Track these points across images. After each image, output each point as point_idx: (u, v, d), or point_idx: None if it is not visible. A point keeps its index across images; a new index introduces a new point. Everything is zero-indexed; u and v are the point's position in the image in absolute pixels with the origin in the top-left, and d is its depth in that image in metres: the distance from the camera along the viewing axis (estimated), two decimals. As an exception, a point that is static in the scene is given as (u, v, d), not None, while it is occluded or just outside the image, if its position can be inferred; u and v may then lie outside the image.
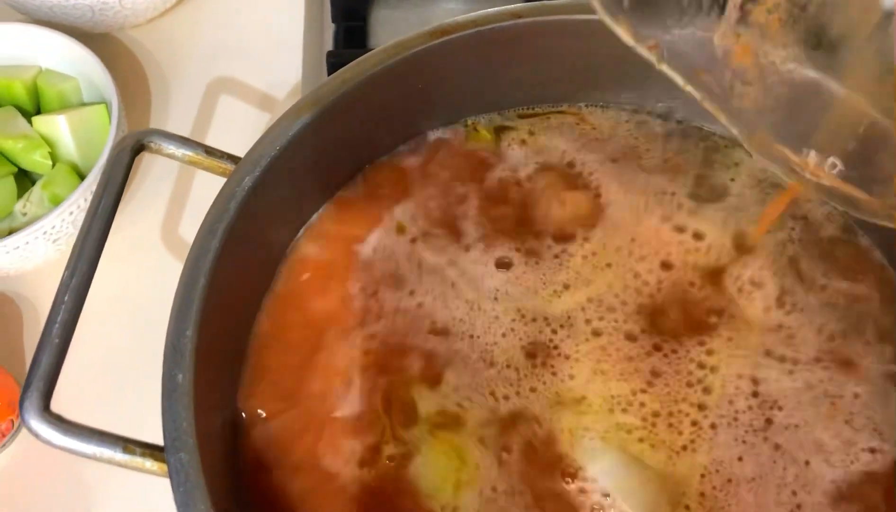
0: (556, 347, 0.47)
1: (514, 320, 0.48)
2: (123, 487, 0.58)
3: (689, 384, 0.46)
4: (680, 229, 0.51)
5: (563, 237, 0.51)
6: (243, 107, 0.75)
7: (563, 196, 0.52)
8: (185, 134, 0.77)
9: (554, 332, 0.48)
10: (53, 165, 0.65)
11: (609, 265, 0.50)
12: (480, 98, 0.54)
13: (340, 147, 0.50)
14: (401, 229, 0.51)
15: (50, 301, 0.65)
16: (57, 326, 0.40)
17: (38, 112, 0.69)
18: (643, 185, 0.53)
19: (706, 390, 0.46)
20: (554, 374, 0.46)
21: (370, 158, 0.53)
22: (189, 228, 0.69)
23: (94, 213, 0.43)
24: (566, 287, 0.49)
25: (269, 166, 0.45)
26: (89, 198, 0.61)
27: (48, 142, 0.65)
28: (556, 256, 0.50)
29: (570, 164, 0.54)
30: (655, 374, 0.46)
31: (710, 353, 0.47)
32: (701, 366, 0.47)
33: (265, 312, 0.49)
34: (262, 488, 0.44)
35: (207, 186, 0.46)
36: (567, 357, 0.47)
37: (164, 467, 0.40)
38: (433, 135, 0.54)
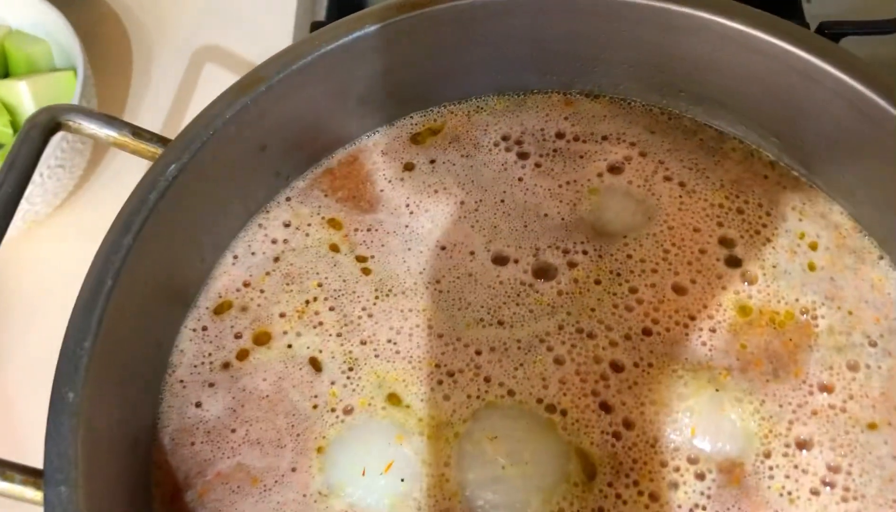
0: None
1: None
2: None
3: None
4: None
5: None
6: (230, 77, 0.68)
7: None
8: (168, 103, 0.72)
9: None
10: (14, 135, 0.60)
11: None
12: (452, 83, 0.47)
13: (292, 132, 0.44)
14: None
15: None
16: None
17: (8, 76, 0.64)
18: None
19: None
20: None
21: (329, 148, 0.46)
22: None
23: (-9, 201, 0.37)
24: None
25: (201, 152, 0.39)
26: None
27: (8, 109, 0.60)
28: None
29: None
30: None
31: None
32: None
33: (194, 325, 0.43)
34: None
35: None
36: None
37: (50, 497, 0.35)
38: (404, 122, 0.47)
